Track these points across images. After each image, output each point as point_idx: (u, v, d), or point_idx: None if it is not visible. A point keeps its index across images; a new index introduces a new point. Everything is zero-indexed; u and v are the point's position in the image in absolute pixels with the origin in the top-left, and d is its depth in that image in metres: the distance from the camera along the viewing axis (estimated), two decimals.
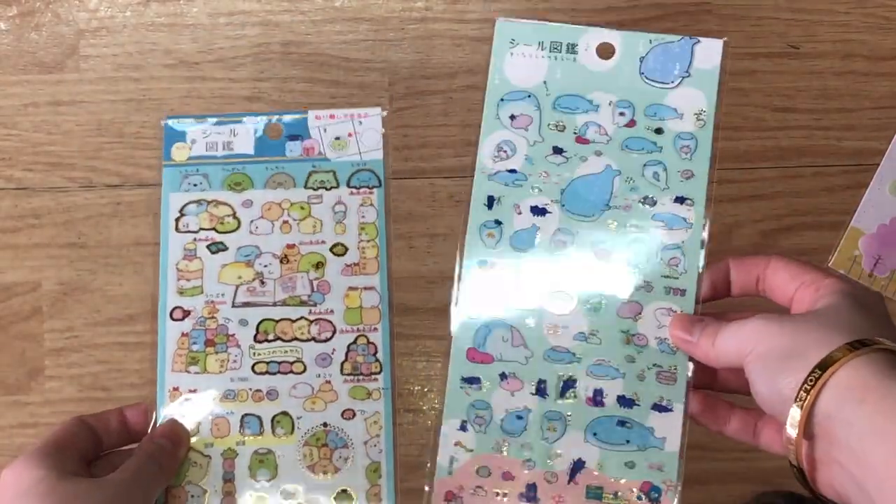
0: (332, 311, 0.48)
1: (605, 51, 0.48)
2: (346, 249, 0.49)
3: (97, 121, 0.66)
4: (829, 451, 0.40)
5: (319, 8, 0.66)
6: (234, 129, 0.49)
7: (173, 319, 0.49)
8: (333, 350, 0.48)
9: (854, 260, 0.66)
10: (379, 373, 0.48)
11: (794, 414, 0.39)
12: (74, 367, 0.66)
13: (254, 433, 0.47)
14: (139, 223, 0.66)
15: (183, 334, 0.48)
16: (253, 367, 0.48)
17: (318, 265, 0.48)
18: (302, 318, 0.48)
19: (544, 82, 0.48)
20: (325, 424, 0.47)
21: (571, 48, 0.48)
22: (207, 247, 0.49)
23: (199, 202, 0.49)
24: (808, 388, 0.39)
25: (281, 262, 0.48)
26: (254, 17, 0.66)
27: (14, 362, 0.66)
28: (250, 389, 0.47)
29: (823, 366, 0.39)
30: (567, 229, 0.47)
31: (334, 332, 0.48)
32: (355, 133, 0.49)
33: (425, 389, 0.66)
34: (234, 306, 0.48)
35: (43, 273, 0.66)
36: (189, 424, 0.48)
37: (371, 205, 0.49)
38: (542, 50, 0.49)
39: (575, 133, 0.47)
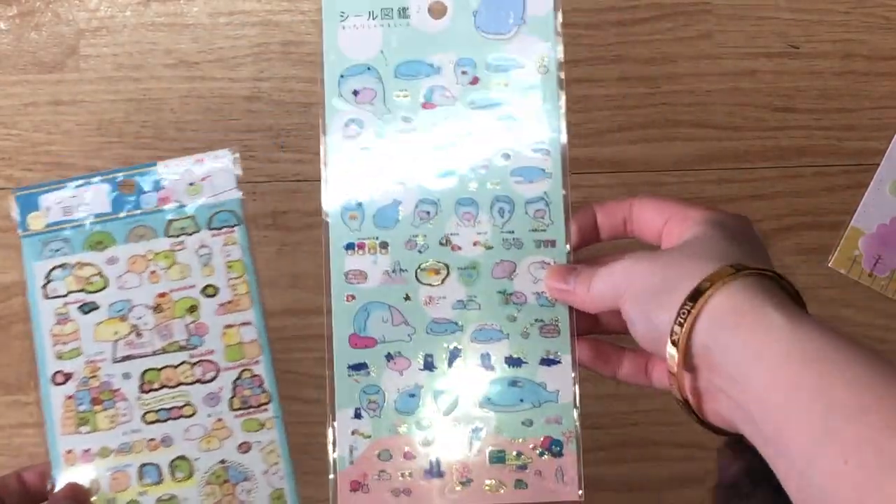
0: (212, 351, 0.49)
1: (438, 10, 0.47)
2: (217, 290, 0.50)
3: (97, 121, 0.66)
4: (712, 380, 0.39)
5: (319, 7, 0.66)
6: (87, 190, 0.50)
7: (56, 384, 0.49)
8: (220, 388, 0.49)
9: (854, 260, 0.66)
10: (268, 403, 0.50)
11: (671, 350, 0.39)
12: None
13: (153, 482, 0.48)
14: None
15: (68, 397, 0.49)
16: (143, 417, 0.49)
17: (192, 308, 0.49)
18: (184, 362, 0.49)
19: (381, 52, 0.48)
20: (222, 461, 0.49)
21: (403, 12, 0.47)
22: (79, 308, 0.49)
23: (63, 266, 0.50)
24: (682, 321, 0.39)
25: (154, 311, 0.50)
26: (254, 17, 0.66)
27: (14, 362, 0.66)
28: (144, 439, 0.49)
29: (694, 297, 0.39)
30: (428, 199, 0.47)
31: (218, 371, 0.49)
32: (209, 177, 0.51)
33: None
34: (115, 361, 0.49)
35: None
36: (88, 483, 0.49)
37: (234, 243, 0.50)
38: (374, 19, 0.48)
39: (421, 100, 0.47)
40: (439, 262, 0.47)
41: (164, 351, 0.49)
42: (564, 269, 0.46)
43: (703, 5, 0.66)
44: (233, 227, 0.50)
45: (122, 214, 0.50)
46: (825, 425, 0.34)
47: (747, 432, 0.38)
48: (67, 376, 0.49)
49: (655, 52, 0.66)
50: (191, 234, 0.50)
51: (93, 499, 0.48)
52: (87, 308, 0.49)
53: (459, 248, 0.46)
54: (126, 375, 0.49)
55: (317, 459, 0.66)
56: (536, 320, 0.46)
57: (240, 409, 0.49)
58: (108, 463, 0.48)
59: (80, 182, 0.50)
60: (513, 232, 0.46)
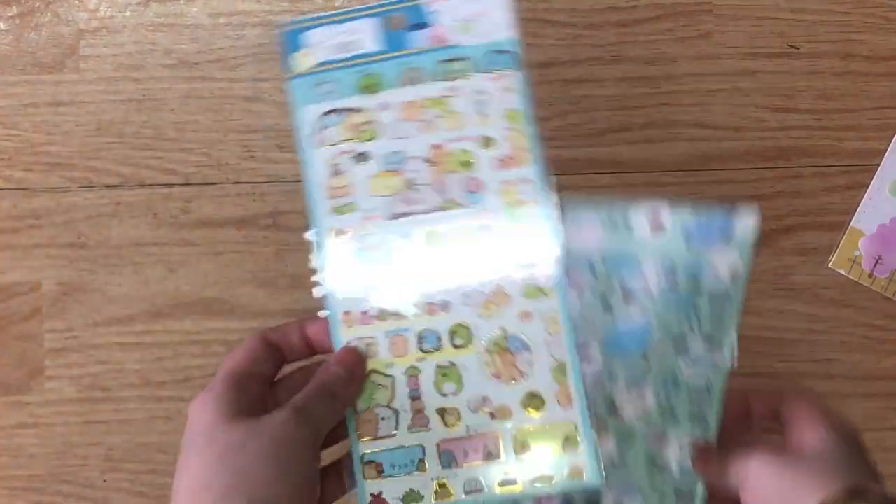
0: (491, 210, 0.46)
1: (657, 223, 0.48)
2: (495, 141, 0.46)
3: (97, 121, 0.66)
4: None
5: (319, 8, 0.66)
6: (355, 25, 0.46)
7: (334, 237, 0.46)
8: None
9: (854, 260, 0.66)
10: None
11: None
12: (74, 367, 0.66)
13: (433, 348, 0.45)
14: (139, 223, 0.66)
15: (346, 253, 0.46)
16: (423, 280, 0.46)
17: (467, 163, 0.46)
18: (464, 222, 0.46)
19: (601, 254, 0.48)
20: (502, 329, 0.45)
21: (626, 223, 0.48)
22: (352, 158, 0.46)
23: (337, 111, 0.46)
24: None
25: (429, 164, 0.45)
26: (254, 17, 0.66)
27: (14, 362, 0.66)
28: (424, 304, 0.45)
29: None
30: (608, 371, 0.48)
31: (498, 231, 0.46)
32: (482, 14, 0.46)
33: None
34: (391, 218, 0.46)
35: (43, 273, 0.66)
36: (366, 346, 0.46)
37: (512, 90, 0.46)
38: (601, 223, 0.48)
39: (623, 289, 0.48)
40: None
41: (441, 209, 0.45)
42: (708, 450, 0.48)
43: (703, 5, 0.66)
44: (510, 70, 0.46)
45: (392, 54, 0.46)
46: None
47: None
48: (343, 232, 0.46)
49: (655, 52, 0.66)
50: (466, 78, 0.46)
51: (371, 362, 0.46)
52: (361, 159, 0.46)
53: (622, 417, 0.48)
54: (404, 235, 0.45)
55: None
56: (676, 489, 0.48)
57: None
58: (387, 326, 0.46)
59: (347, 16, 0.45)
60: (673, 408, 0.48)
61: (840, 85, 0.66)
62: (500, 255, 0.46)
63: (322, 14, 0.46)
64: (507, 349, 0.45)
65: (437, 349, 0.46)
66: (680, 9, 0.66)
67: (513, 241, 0.46)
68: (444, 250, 0.46)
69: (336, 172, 0.46)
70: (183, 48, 0.66)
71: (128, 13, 0.66)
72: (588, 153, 0.66)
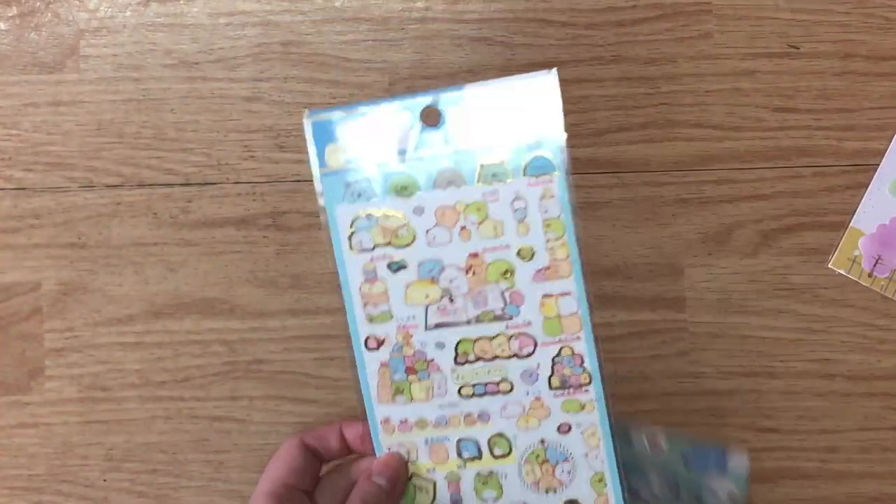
0: (529, 324, 0.44)
1: (655, 444, 0.49)
2: (534, 252, 0.44)
3: (97, 121, 0.66)
4: None
5: (319, 8, 0.66)
6: (386, 119, 0.43)
7: (369, 349, 0.45)
8: (538, 365, 0.45)
9: (854, 260, 0.66)
10: (589, 384, 0.45)
11: None
12: (74, 367, 0.66)
13: (472, 456, 0.45)
14: (139, 223, 0.66)
15: (382, 364, 0.45)
16: (459, 391, 0.45)
17: (507, 273, 0.44)
18: (499, 334, 0.45)
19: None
20: (542, 441, 0.45)
21: (628, 439, 0.47)
22: (387, 266, 0.44)
23: (368, 216, 0.44)
24: None
25: (467, 273, 0.44)
26: (254, 17, 0.66)
27: (14, 362, 0.66)
28: (461, 414, 0.45)
29: None
30: None
31: (536, 346, 0.45)
32: (524, 106, 0.43)
33: None
34: (427, 329, 0.45)
35: (43, 273, 0.66)
36: (406, 452, 0.46)
37: (552, 196, 0.44)
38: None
39: (630, 491, 0.47)
40: None
41: (478, 320, 0.44)
42: None
43: (703, 5, 0.66)
44: (551, 174, 0.43)
45: (426, 152, 0.43)
46: None
47: None
48: (380, 342, 0.45)
49: (655, 52, 0.66)
50: (505, 182, 0.43)
51: (411, 466, 0.45)
52: (396, 266, 0.44)
53: None
54: (439, 345, 0.44)
55: None
56: None
57: (559, 388, 0.45)
58: (426, 434, 0.45)
59: (377, 108, 0.42)
60: None
61: (840, 85, 0.66)
62: (540, 369, 0.45)
63: (353, 104, 0.43)
64: (546, 459, 0.45)
65: (478, 458, 0.45)
66: (680, 9, 0.66)
67: (552, 356, 0.45)
68: (482, 362, 0.45)
69: (371, 279, 0.44)
70: (183, 48, 0.66)
71: (128, 13, 0.66)
72: (588, 153, 0.66)
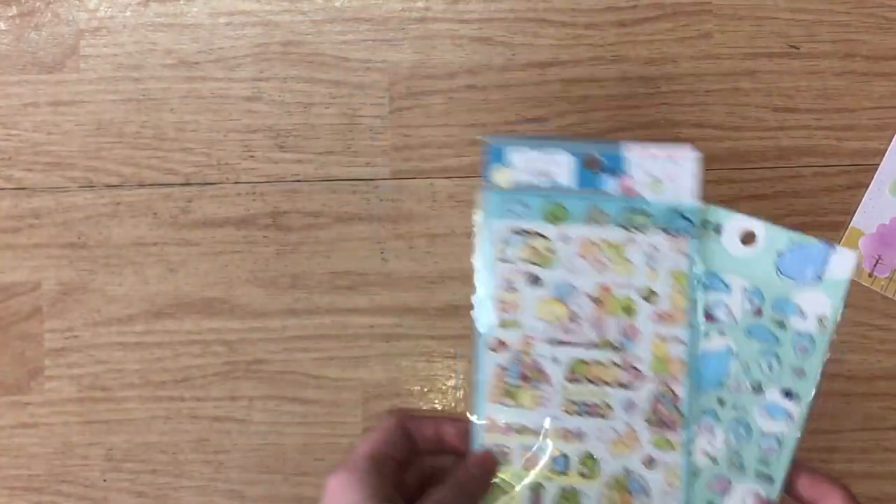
0: (640, 359, 0.48)
1: (749, 238, 0.49)
2: (657, 296, 0.48)
3: (97, 121, 0.66)
4: None
5: (319, 8, 0.66)
6: (554, 157, 0.48)
7: (491, 350, 0.48)
8: (639, 398, 0.48)
9: None
10: (680, 425, 0.48)
11: None
12: (74, 367, 0.66)
13: (560, 470, 0.48)
14: (139, 223, 0.66)
15: (500, 366, 0.48)
16: (563, 407, 0.48)
17: (629, 309, 0.48)
18: (613, 362, 0.48)
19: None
20: (626, 470, 0.48)
21: (718, 228, 0.49)
22: (526, 279, 0.48)
23: (519, 232, 0.49)
24: None
25: (594, 302, 0.48)
26: (254, 17, 0.66)
27: (14, 362, 0.66)
28: (561, 428, 0.48)
29: None
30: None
31: (641, 380, 0.48)
32: (670, 175, 0.49)
33: (425, 389, 0.66)
34: (548, 343, 0.48)
35: (43, 273, 0.66)
36: (501, 455, 0.48)
37: (684, 253, 0.48)
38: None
39: (705, 309, 0.48)
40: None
41: (595, 346, 0.48)
42: None
43: (703, 5, 0.66)
44: (686, 235, 0.48)
45: (583, 192, 0.48)
46: None
47: None
48: (503, 345, 0.48)
49: (655, 52, 0.66)
50: (644, 232, 0.48)
51: (501, 470, 0.48)
52: (533, 281, 0.48)
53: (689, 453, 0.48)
54: (556, 360, 0.48)
55: (318, 460, 0.66)
56: None
57: (654, 423, 0.48)
58: (524, 440, 0.48)
59: (549, 147, 0.48)
60: (741, 456, 0.48)
61: (840, 85, 0.66)
62: (640, 401, 0.48)
63: (527, 138, 0.51)
64: (626, 488, 0.48)
65: (565, 472, 0.48)
66: (680, 9, 0.66)
67: (654, 392, 0.48)
68: (590, 384, 0.48)
69: (509, 288, 0.48)
70: (183, 48, 0.66)
71: (128, 13, 0.66)
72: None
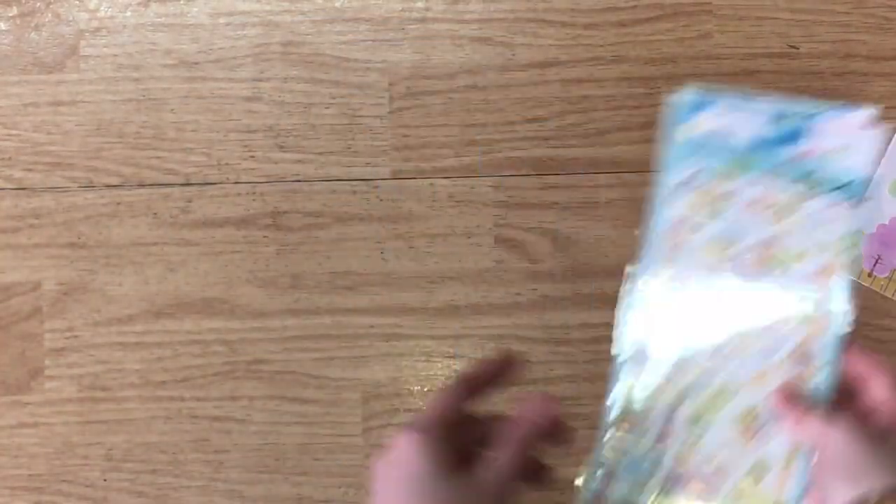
0: (788, 311, 0.50)
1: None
2: (810, 258, 0.50)
3: (97, 121, 0.66)
4: None
5: (319, 8, 0.66)
6: (741, 114, 0.51)
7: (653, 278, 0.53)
8: (782, 344, 0.51)
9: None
10: (811, 377, 0.51)
11: None
12: (74, 367, 0.66)
13: (698, 394, 0.51)
14: (139, 223, 0.66)
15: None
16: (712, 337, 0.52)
17: (782, 264, 0.51)
18: (762, 309, 0.51)
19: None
20: (759, 405, 0.50)
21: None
22: (696, 222, 0.52)
23: (694, 183, 0.52)
24: None
25: (752, 255, 0.51)
26: (254, 18, 0.66)
27: (14, 362, 0.66)
28: (707, 351, 0.51)
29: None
30: None
31: (787, 325, 0.51)
32: (848, 146, 0.51)
33: (425, 389, 0.66)
34: (708, 278, 0.52)
35: (43, 273, 0.66)
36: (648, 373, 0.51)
37: (840, 221, 0.50)
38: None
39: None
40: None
41: (748, 288, 0.51)
42: (793, 392, 0.51)
43: (703, 5, 0.66)
44: (849, 202, 0.50)
45: (762, 152, 0.50)
46: None
47: None
48: (665, 278, 0.52)
49: (655, 52, 0.66)
50: (811, 199, 0.50)
51: (647, 385, 0.50)
52: (701, 226, 0.52)
53: None
54: (710, 288, 0.51)
55: (317, 460, 0.66)
56: None
57: (792, 363, 0.50)
58: (673, 359, 0.51)
59: (738, 103, 0.51)
60: None
61: (840, 85, 0.66)
62: (780, 339, 0.50)
63: (715, 93, 0.51)
64: (755, 419, 0.50)
65: (701, 396, 0.51)
66: (680, 9, 0.66)
67: (792, 334, 0.51)
68: (737, 317, 0.51)
69: (679, 227, 0.52)
70: (183, 48, 0.66)
71: (128, 13, 0.66)
72: (588, 153, 0.66)
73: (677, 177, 0.52)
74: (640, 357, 0.51)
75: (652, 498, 0.50)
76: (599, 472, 0.50)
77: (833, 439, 0.49)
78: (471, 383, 0.49)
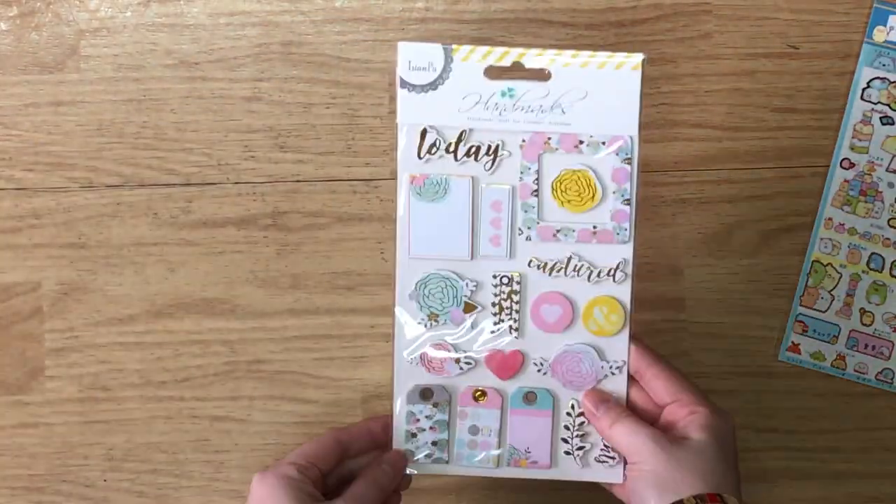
0: None
1: None
2: None
3: (97, 121, 0.66)
4: None
5: (319, 8, 0.66)
6: None
7: (842, 168, 0.64)
8: None
9: None
10: None
11: None
12: (75, 367, 0.66)
13: (877, 268, 0.64)
14: (139, 223, 0.66)
15: (845, 181, 0.64)
16: (889, 221, 0.63)
17: None
18: None
19: None
20: None
21: None
22: (880, 118, 0.63)
23: (883, 80, 0.63)
24: None
25: None
26: (254, 17, 0.66)
27: (14, 362, 0.66)
28: (881, 236, 0.64)
29: None
30: None
31: None
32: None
33: None
34: (888, 171, 0.63)
35: (43, 273, 0.66)
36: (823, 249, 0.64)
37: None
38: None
39: None
40: None
41: None
42: (601, 396, 0.54)
43: (703, 5, 0.66)
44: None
45: None
46: None
47: None
48: (852, 165, 0.64)
49: (655, 52, 0.66)
50: None
51: (835, 259, 0.62)
52: (886, 121, 0.63)
53: None
54: (891, 185, 0.63)
55: None
56: None
57: None
58: (853, 240, 0.64)
59: None
60: None
61: (840, 86, 0.66)
62: None
63: None
64: None
65: (879, 270, 0.63)
66: (680, 9, 0.66)
67: None
68: None
69: (864, 122, 0.63)
70: (183, 48, 0.66)
71: (128, 13, 0.66)
72: None
73: (868, 74, 0.63)
74: None
75: (835, 357, 0.63)
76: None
77: (638, 449, 0.51)
78: (341, 444, 0.54)
